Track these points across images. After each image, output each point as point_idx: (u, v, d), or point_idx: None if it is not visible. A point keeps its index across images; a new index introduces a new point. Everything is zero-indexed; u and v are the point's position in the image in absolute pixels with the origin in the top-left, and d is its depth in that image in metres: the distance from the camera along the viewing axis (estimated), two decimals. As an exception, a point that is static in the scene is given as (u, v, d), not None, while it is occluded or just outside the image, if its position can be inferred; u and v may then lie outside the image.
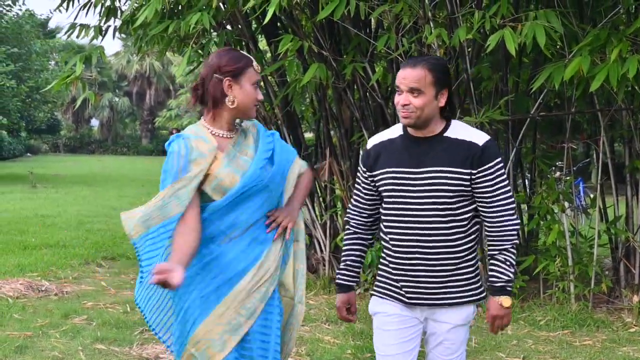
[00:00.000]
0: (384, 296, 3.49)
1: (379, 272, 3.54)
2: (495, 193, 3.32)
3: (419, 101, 3.26)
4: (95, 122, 60.53)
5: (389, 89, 8.44)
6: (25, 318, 7.03)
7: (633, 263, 7.85)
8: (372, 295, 3.59)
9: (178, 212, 3.30)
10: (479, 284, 3.43)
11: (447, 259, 3.33)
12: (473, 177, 3.30)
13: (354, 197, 3.62)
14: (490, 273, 3.40)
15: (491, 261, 3.39)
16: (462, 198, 3.32)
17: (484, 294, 3.47)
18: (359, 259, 3.61)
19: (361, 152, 3.84)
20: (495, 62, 7.90)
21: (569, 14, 7.11)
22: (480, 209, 3.36)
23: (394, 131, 3.48)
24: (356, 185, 3.61)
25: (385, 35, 7.21)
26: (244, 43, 8.92)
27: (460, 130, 3.37)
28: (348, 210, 3.64)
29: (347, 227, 3.65)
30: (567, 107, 8.03)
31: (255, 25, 9.08)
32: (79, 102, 9.04)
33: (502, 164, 3.36)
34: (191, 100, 3.64)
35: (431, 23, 7.04)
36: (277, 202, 3.58)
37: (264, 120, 8.74)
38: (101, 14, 9.01)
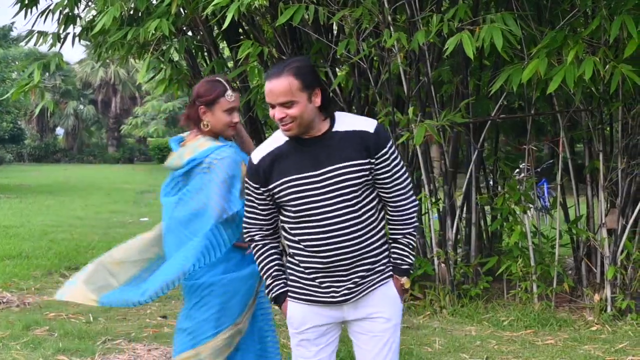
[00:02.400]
0: (306, 302, 3.44)
1: (293, 281, 3.48)
2: (394, 177, 3.38)
3: (294, 111, 3.24)
4: (60, 131, 59.92)
5: (352, 93, 8.46)
6: (-15, 330, 6.94)
7: (594, 262, 7.93)
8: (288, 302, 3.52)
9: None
10: (388, 263, 3.50)
11: (367, 248, 3.38)
12: (374, 165, 3.33)
13: (248, 215, 3.52)
14: (395, 255, 3.48)
15: (394, 244, 3.49)
16: (367, 187, 3.36)
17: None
18: (282, 268, 3.53)
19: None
20: (456, 65, 7.96)
21: (527, 17, 7.18)
22: (381, 193, 3.41)
23: (278, 139, 3.41)
24: (247, 203, 3.51)
25: (345, 40, 7.23)
26: (205, 49, 8.91)
27: (347, 121, 3.38)
28: (246, 229, 3.56)
29: (252, 244, 3.56)
30: (529, 109, 8.10)
31: (217, 31, 9.07)
32: (37, 110, 8.99)
33: (394, 146, 3.42)
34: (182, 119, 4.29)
35: (391, 27, 7.08)
36: None
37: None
38: (59, 22, 8.94)
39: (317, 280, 3.39)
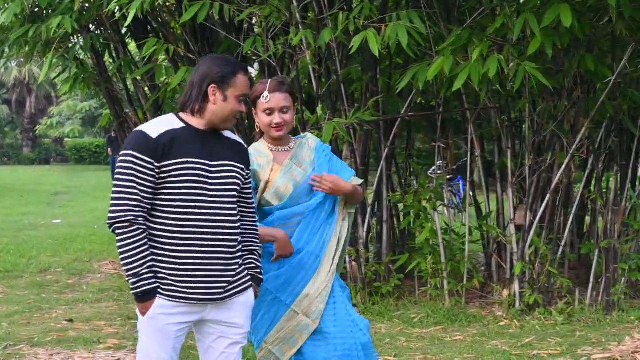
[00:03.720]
0: (174, 299, 3.30)
1: (161, 278, 3.29)
2: (251, 193, 3.61)
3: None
4: (-27, 132, 58.29)
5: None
6: None
7: (504, 258, 8.03)
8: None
9: None
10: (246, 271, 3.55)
11: (238, 251, 3.43)
12: (245, 175, 3.50)
13: (131, 193, 3.24)
14: (253, 265, 3.57)
15: (251, 255, 3.57)
16: (238, 193, 3.48)
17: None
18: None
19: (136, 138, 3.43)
20: (366, 63, 7.96)
21: (436, 15, 7.22)
22: (241, 206, 3.53)
23: (172, 122, 3.37)
24: (132, 179, 3.24)
25: (252, 37, 7.17)
26: (112, 47, 8.74)
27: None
28: (127, 208, 3.24)
29: (131, 227, 3.24)
30: (443, 107, 8.16)
31: (125, 29, 8.90)
32: None
33: None
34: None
35: (300, 26, 7.03)
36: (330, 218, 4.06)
37: (135, 125, 8.56)
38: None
39: (191, 275, 3.28)
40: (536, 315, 7.29)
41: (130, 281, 3.28)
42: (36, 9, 8.09)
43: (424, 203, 7.90)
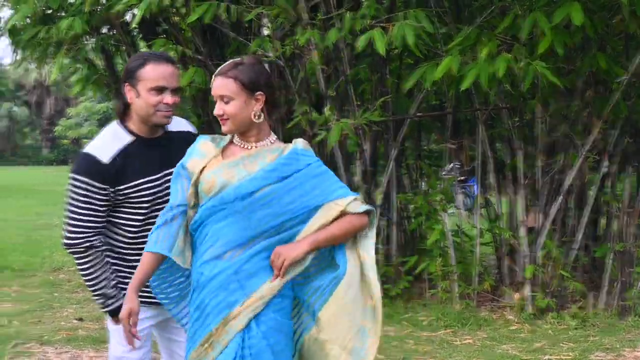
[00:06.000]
0: (144, 304, 3.25)
1: (127, 282, 3.14)
2: None
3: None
4: (-7, 133, 58.71)
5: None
6: None
7: (516, 261, 7.92)
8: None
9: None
10: None
11: None
12: None
13: (85, 218, 3.20)
14: None
15: None
16: None
17: None
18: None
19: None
20: (375, 63, 7.89)
21: (445, 14, 7.15)
22: None
23: (120, 136, 3.26)
24: (85, 206, 3.20)
25: (258, 38, 7.13)
26: (123, 48, 8.73)
27: (175, 121, 3.38)
28: (82, 234, 3.20)
29: (88, 251, 3.22)
30: (453, 107, 8.08)
31: (136, 31, 8.89)
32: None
33: None
34: None
35: (308, 26, 6.98)
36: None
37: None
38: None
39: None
40: (548, 320, 7.19)
41: (99, 301, 3.32)
42: (48, 11, 8.10)
43: (436, 205, 7.82)
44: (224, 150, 3.04)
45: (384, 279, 7.82)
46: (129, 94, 3.24)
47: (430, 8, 7.00)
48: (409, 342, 6.57)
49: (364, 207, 3.04)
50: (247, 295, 2.91)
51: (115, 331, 3.36)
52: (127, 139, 3.27)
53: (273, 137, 3.08)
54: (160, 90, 3.20)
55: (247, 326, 2.91)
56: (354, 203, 3.03)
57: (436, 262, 7.51)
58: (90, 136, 47.31)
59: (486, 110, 7.75)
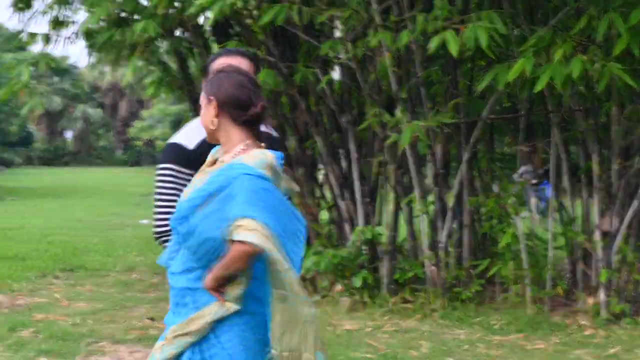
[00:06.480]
0: None
1: None
2: None
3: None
4: (69, 134, 60.07)
5: (343, 95, 8.34)
6: (-30, 332, 6.88)
7: (591, 265, 7.79)
8: None
9: None
10: None
11: None
12: None
13: (172, 204, 3.07)
14: None
15: None
16: None
17: None
18: None
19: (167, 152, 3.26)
20: (447, 65, 7.85)
21: (518, 16, 7.07)
22: None
23: (202, 129, 3.01)
24: (171, 192, 3.18)
25: (328, 40, 7.15)
26: (196, 50, 8.85)
27: None
28: (169, 223, 2.95)
29: None
30: (527, 110, 7.99)
31: (208, 34, 9.01)
32: (25, 110, 8.94)
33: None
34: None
35: (380, 28, 6.98)
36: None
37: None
38: (50, 24, 8.90)
39: None
40: (623, 325, 7.06)
41: None
42: (122, 14, 8.25)
43: (509, 208, 7.74)
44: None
45: (456, 281, 7.78)
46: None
47: (503, 9, 6.93)
48: (479, 346, 6.52)
49: (244, 235, 2.58)
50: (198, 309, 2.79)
51: None
52: (201, 136, 3.22)
53: (240, 147, 2.80)
54: None
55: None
56: (241, 233, 2.59)
57: (508, 266, 7.42)
58: (163, 138, 48.11)
59: (560, 112, 7.64)
